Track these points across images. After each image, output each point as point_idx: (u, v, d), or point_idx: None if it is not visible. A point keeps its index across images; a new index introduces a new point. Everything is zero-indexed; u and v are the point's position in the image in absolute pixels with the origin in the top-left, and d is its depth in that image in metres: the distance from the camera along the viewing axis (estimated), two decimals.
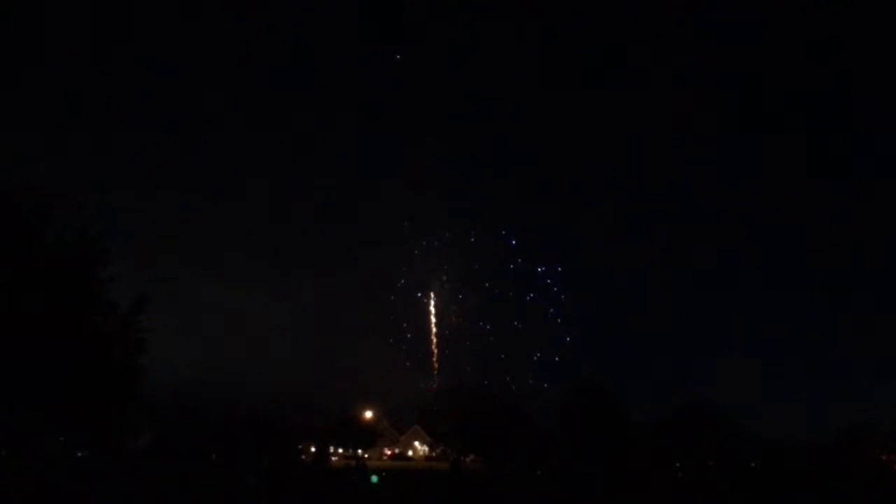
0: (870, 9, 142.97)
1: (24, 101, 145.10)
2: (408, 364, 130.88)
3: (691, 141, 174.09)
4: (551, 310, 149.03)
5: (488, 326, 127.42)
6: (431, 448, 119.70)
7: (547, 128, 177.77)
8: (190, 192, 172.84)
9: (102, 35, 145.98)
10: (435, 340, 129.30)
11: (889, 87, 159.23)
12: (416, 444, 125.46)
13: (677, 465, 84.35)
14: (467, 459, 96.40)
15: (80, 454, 53.14)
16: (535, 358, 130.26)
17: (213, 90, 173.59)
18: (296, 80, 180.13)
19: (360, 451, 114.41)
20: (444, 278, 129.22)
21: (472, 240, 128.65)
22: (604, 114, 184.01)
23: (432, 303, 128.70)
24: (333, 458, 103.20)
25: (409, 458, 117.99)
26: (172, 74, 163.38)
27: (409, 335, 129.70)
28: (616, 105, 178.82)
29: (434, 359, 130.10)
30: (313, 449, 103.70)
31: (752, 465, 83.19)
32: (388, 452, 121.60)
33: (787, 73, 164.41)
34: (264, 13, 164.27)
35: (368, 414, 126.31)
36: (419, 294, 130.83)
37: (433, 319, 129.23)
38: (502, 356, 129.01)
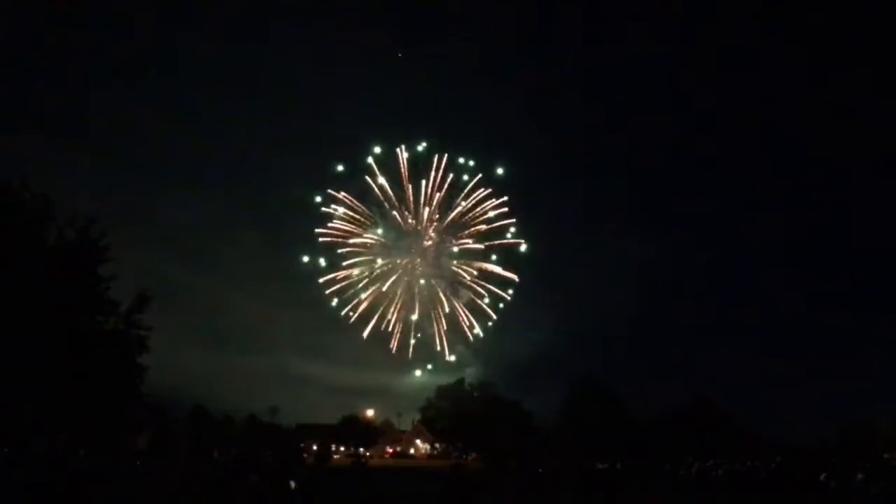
0: None
1: (25, 101, 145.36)
2: (410, 362, 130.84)
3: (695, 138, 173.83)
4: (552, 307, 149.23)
5: (489, 323, 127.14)
6: (433, 446, 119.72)
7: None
8: (191, 190, 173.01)
9: (102, 34, 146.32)
10: (437, 338, 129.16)
11: None
12: (418, 442, 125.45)
13: (679, 462, 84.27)
14: (468, 458, 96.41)
15: (81, 452, 53.18)
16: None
17: (214, 89, 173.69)
18: (295, 80, 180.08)
19: (361, 449, 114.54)
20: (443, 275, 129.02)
21: (472, 239, 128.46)
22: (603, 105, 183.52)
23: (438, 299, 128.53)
24: (335, 457, 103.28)
25: (411, 456, 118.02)
26: (174, 73, 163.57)
27: (411, 331, 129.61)
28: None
29: (435, 357, 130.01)
30: (315, 447, 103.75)
31: (755, 463, 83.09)
32: (390, 451, 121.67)
33: None
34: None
35: (370, 412, 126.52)
36: (419, 293, 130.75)
37: (433, 316, 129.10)
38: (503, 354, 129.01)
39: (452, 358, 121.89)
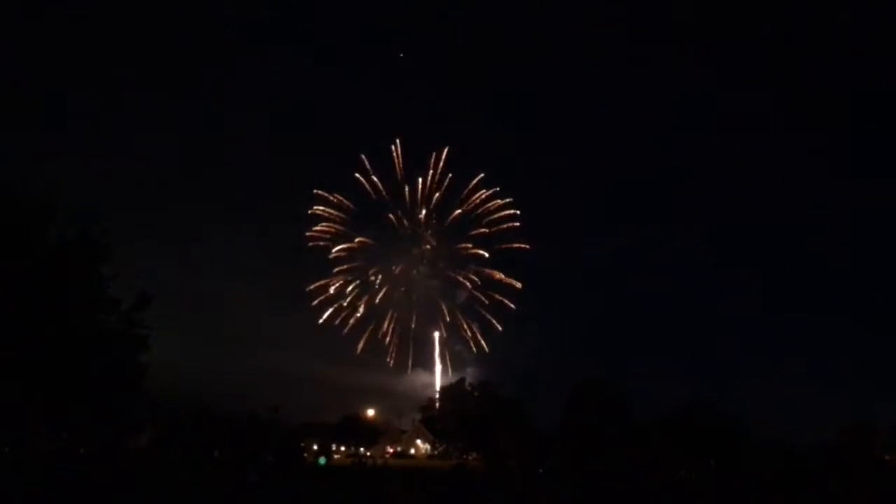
0: None
1: (25, 101, 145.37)
2: (410, 362, 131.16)
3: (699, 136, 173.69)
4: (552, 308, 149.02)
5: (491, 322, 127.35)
6: (433, 446, 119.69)
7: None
8: (192, 189, 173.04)
9: (100, 34, 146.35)
10: (437, 339, 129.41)
11: None
12: (419, 442, 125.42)
13: (679, 463, 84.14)
14: (469, 458, 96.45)
15: (82, 451, 53.19)
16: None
17: (215, 88, 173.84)
18: (295, 81, 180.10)
19: (361, 448, 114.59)
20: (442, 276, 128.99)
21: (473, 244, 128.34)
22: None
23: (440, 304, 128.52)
24: (336, 456, 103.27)
25: (411, 456, 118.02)
26: (174, 74, 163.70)
27: (410, 334, 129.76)
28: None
29: (435, 357, 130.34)
30: (315, 447, 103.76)
31: (754, 464, 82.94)
32: (390, 450, 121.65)
33: None
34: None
35: (370, 412, 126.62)
36: (419, 294, 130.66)
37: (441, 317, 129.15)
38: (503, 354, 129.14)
39: (455, 379, 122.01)
